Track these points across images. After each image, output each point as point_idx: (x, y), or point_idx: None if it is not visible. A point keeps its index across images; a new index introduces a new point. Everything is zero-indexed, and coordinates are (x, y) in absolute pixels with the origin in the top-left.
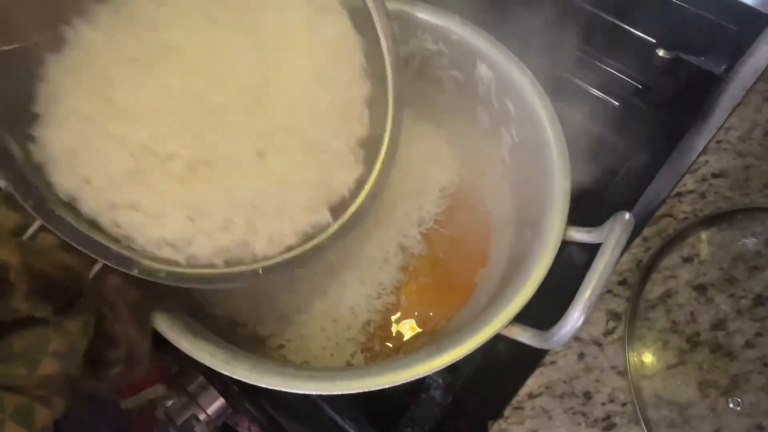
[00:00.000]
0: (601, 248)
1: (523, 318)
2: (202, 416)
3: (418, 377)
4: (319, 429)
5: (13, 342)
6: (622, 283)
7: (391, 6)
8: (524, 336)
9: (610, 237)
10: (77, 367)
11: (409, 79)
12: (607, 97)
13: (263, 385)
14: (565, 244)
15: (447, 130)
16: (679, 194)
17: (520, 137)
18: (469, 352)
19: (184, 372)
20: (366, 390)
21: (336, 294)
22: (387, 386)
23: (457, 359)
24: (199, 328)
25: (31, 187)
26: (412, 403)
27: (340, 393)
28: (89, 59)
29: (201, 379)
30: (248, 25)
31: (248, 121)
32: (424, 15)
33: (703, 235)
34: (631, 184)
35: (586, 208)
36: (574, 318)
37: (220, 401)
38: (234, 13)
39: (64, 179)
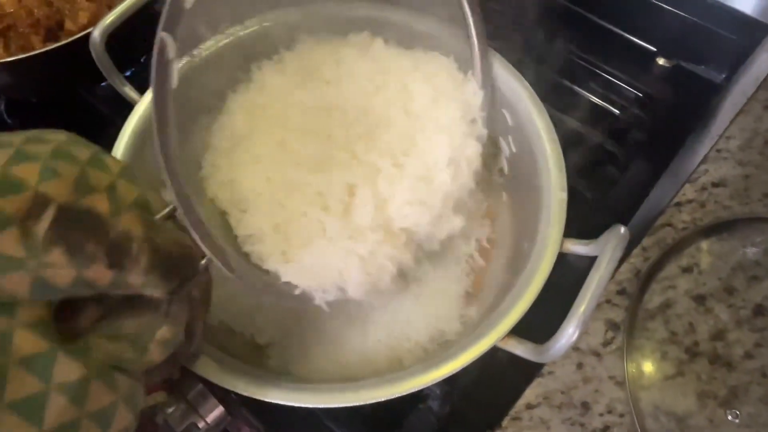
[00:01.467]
0: (596, 262)
1: (519, 329)
2: (201, 424)
3: (414, 390)
4: None
5: (123, 322)
6: (621, 292)
7: (389, 15)
8: (520, 349)
9: (605, 251)
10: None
11: None
12: (607, 106)
13: (260, 398)
14: (564, 254)
15: None
16: (679, 203)
17: (517, 147)
18: (465, 365)
19: (184, 379)
20: (362, 403)
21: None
22: (383, 399)
23: (454, 372)
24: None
25: (179, 177)
26: (409, 413)
27: (337, 406)
28: (267, 101)
29: (200, 387)
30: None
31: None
32: (421, 26)
33: (703, 244)
34: (630, 193)
35: (585, 217)
36: (569, 333)
37: (220, 409)
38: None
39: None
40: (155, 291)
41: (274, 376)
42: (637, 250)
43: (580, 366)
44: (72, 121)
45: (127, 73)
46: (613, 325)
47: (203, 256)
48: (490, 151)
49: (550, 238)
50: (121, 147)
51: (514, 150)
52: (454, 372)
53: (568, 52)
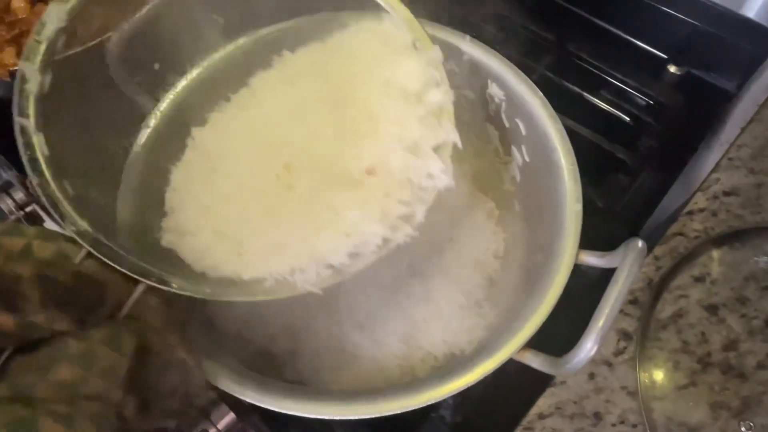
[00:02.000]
0: (614, 276)
1: (533, 341)
2: (212, 430)
3: (429, 403)
4: None
5: (38, 357)
6: (633, 302)
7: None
8: (535, 362)
9: (623, 266)
10: (121, 401)
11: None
12: (618, 113)
13: (275, 409)
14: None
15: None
16: (691, 212)
17: (531, 156)
18: (480, 378)
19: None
20: (378, 415)
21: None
22: (398, 411)
23: (469, 385)
24: (206, 346)
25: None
26: (421, 423)
27: (353, 418)
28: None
29: (212, 393)
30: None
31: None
32: (434, 34)
33: (715, 253)
34: (641, 201)
35: (597, 225)
36: (587, 348)
37: (231, 416)
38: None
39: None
40: (61, 324)
41: (289, 387)
42: (649, 260)
43: (592, 376)
44: None
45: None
46: (625, 335)
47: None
48: (501, 159)
49: (566, 251)
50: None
51: (527, 159)
52: (470, 384)
53: (578, 60)
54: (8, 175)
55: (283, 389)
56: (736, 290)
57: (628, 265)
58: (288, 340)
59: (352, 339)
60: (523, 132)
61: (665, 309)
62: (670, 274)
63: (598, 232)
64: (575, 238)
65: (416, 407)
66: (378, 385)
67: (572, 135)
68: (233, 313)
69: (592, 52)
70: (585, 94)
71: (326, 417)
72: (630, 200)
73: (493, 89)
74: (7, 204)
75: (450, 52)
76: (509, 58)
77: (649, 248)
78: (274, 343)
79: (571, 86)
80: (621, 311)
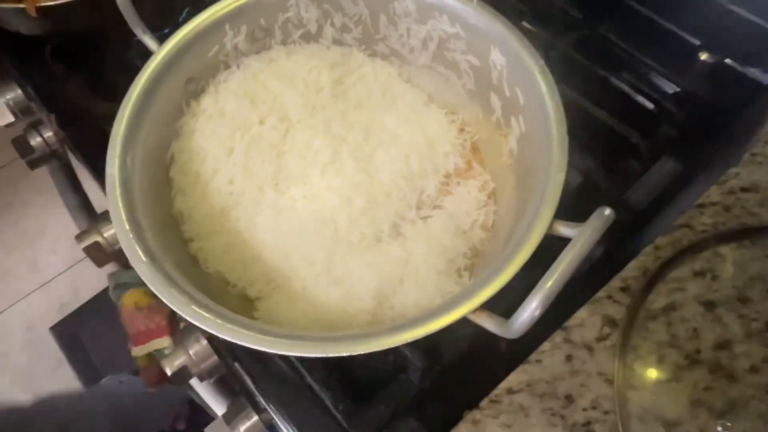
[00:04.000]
0: (574, 239)
1: (499, 307)
2: (194, 370)
3: (376, 350)
4: (297, 393)
5: None
6: (625, 290)
7: None
8: (489, 323)
9: (585, 229)
10: None
11: (427, 61)
12: (640, 98)
13: (242, 343)
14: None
15: (460, 117)
16: (702, 205)
17: (527, 127)
18: (433, 332)
19: (189, 329)
20: (322, 356)
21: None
22: (345, 354)
23: (419, 337)
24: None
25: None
26: (390, 382)
27: (300, 355)
28: None
29: (199, 335)
30: None
31: None
32: None
33: (722, 249)
34: (651, 191)
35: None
36: (531, 307)
37: (214, 359)
38: None
39: None
40: None
41: (259, 325)
42: (648, 248)
43: (569, 358)
44: (105, 71)
45: (166, 30)
46: (610, 322)
47: None
48: (502, 131)
49: (540, 217)
50: (134, 94)
51: (523, 130)
52: (420, 337)
53: (605, 40)
54: (40, 113)
55: (251, 325)
56: (739, 289)
57: (589, 229)
58: (265, 286)
59: (327, 291)
60: (521, 101)
61: (658, 300)
62: (668, 264)
63: None
64: (552, 206)
65: (363, 353)
66: None
67: (587, 117)
68: (213, 254)
69: (621, 34)
70: (609, 76)
71: (289, 353)
72: (641, 187)
73: (495, 55)
74: (36, 140)
75: (455, 16)
76: (530, 32)
77: (651, 237)
78: (252, 286)
79: (594, 67)
80: (610, 297)
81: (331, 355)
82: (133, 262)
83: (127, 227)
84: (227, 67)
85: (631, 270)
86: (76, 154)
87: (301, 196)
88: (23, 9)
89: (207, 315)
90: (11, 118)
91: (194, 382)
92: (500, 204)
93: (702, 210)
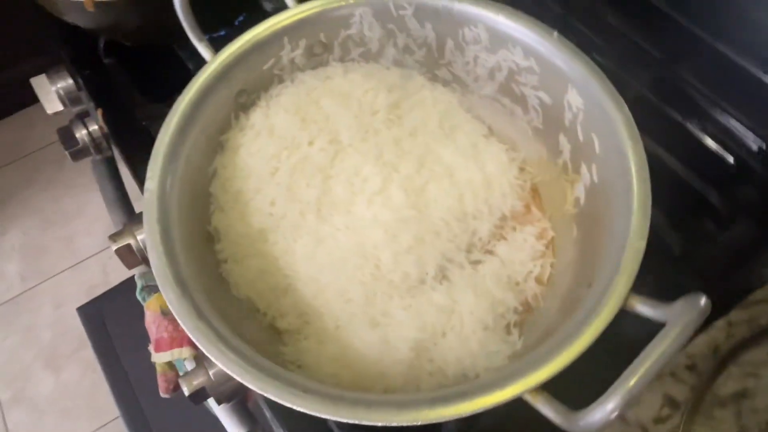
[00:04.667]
0: (664, 330)
1: (556, 387)
2: (212, 391)
3: (414, 424)
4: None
5: None
6: (691, 368)
7: (479, 12)
8: (547, 409)
9: (676, 321)
10: None
11: (491, 92)
12: (721, 151)
13: (263, 393)
14: (626, 312)
15: (521, 155)
16: None
17: (600, 177)
18: (479, 410)
19: None
20: (370, 423)
21: None
22: (380, 424)
23: (463, 416)
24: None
25: None
26: None
27: (330, 418)
28: None
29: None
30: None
31: None
32: (520, 26)
33: None
34: (727, 256)
35: (665, 274)
36: (607, 409)
37: (234, 382)
38: None
39: None
40: None
41: (287, 375)
42: (720, 323)
43: None
44: (156, 71)
45: (221, 33)
46: (671, 402)
47: None
48: (568, 177)
49: (615, 290)
50: (183, 104)
51: (596, 180)
52: (463, 415)
53: (685, 83)
54: (88, 105)
55: (277, 373)
56: None
57: (682, 321)
58: (296, 319)
59: (362, 334)
60: (597, 149)
61: (728, 384)
62: (743, 344)
63: (665, 283)
64: (629, 278)
65: (399, 424)
66: (375, 390)
67: (659, 166)
68: (246, 279)
69: (703, 77)
70: (686, 123)
71: (317, 414)
72: (714, 252)
73: (572, 96)
74: (81, 133)
75: (531, 49)
76: (603, 68)
77: (724, 309)
78: (282, 318)
79: (671, 111)
80: (673, 375)
81: (363, 422)
82: (162, 289)
83: (162, 249)
84: (281, 81)
85: (699, 346)
86: (119, 151)
87: (343, 226)
88: (81, 2)
89: (232, 356)
90: (60, 107)
91: (212, 402)
92: (559, 256)
93: None
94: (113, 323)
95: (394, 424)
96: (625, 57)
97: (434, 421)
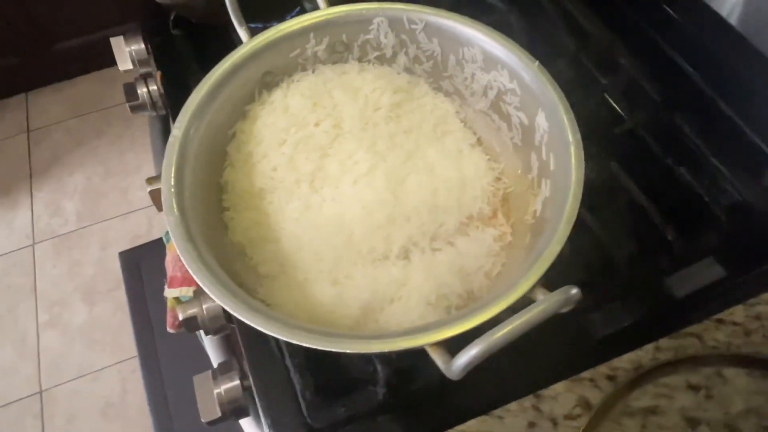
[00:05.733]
0: (535, 304)
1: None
2: (202, 323)
3: (353, 352)
4: (275, 371)
5: None
6: (611, 378)
7: (477, 35)
8: (438, 357)
9: (548, 299)
10: None
11: (484, 107)
12: (694, 196)
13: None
14: None
15: (501, 167)
16: (720, 321)
17: (551, 191)
18: (390, 351)
19: None
20: (308, 346)
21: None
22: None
23: (380, 351)
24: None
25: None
26: (358, 389)
27: (286, 339)
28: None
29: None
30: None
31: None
32: (508, 52)
33: (727, 372)
34: (671, 291)
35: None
36: (471, 353)
37: (221, 319)
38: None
39: None
40: None
41: (258, 305)
42: (649, 346)
43: (531, 425)
44: (212, 46)
45: (274, 23)
46: (585, 403)
47: None
48: (534, 191)
49: (524, 282)
50: (216, 73)
51: (547, 194)
52: (381, 351)
53: (676, 126)
54: (152, 68)
55: (259, 308)
56: (731, 417)
57: (552, 299)
58: (274, 267)
59: (323, 288)
60: (552, 167)
61: (641, 399)
62: (665, 366)
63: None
64: (538, 274)
65: (327, 348)
66: None
67: (629, 197)
68: (241, 227)
69: (696, 126)
70: (671, 165)
71: (275, 335)
72: (656, 286)
73: (541, 119)
74: (142, 90)
75: (515, 73)
76: (602, 102)
77: (654, 335)
78: (264, 264)
79: (657, 151)
80: (592, 380)
81: (316, 347)
82: (165, 212)
83: (172, 183)
84: (303, 69)
85: (624, 361)
86: (170, 111)
87: (330, 198)
88: None
89: (209, 277)
90: (130, 66)
91: (202, 333)
92: (510, 258)
93: (719, 325)
94: (147, 272)
95: (323, 348)
96: (629, 96)
97: (357, 351)
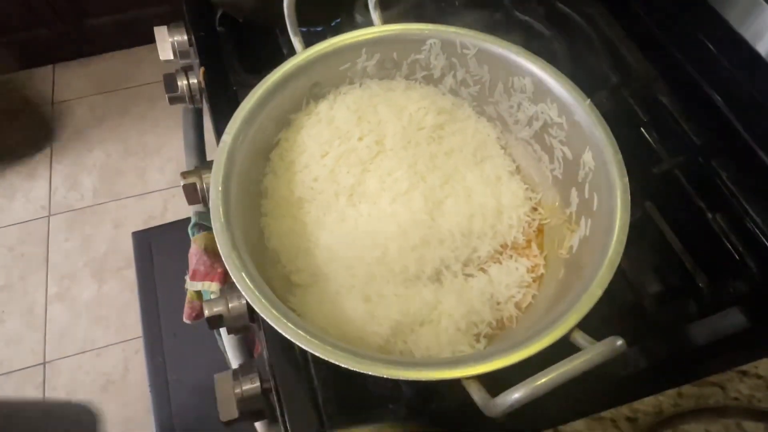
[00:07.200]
0: (581, 353)
1: (489, 379)
2: (227, 321)
3: (368, 372)
4: (297, 379)
5: None
6: (631, 420)
7: (530, 66)
8: (476, 393)
9: (593, 349)
10: None
11: (527, 137)
12: (727, 244)
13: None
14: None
15: (539, 197)
16: (745, 372)
17: (591, 232)
18: (422, 380)
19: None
20: (339, 364)
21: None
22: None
23: (408, 378)
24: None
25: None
26: (379, 406)
27: (317, 354)
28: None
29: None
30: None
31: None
32: (560, 87)
33: (749, 425)
34: (698, 340)
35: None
36: (514, 396)
37: (246, 319)
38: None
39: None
40: None
41: (293, 317)
42: (671, 392)
43: None
44: (256, 47)
45: (318, 29)
46: None
47: None
48: (571, 226)
49: (564, 323)
50: (268, 83)
51: (587, 234)
52: (411, 379)
53: (712, 171)
54: (194, 61)
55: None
56: None
57: (595, 349)
58: (308, 277)
59: (355, 304)
60: (595, 207)
61: None
62: (684, 415)
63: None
64: (578, 317)
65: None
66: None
67: (662, 240)
68: (278, 233)
69: (733, 173)
70: (704, 209)
71: (305, 347)
72: (685, 333)
73: (587, 157)
74: (182, 82)
75: (565, 108)
76: (641, 139)
77: (679, 381)
78: (297, 273)
79: (692, 195)
80: (613, 421)
81: (347, 366)
82: (213, 218)
83: (220, 189)
84: (351, 82)
85: (646, 404)
86: (208, 106)
87: (366, 213)
88: None
89: (249, 283)
90: (171, 56)
91: (223, 331)
92: (542, 290)
93: (743, 377)
94: (159, 254)
95: (351, 368)
96: (669, 136)
97: (386, 376)
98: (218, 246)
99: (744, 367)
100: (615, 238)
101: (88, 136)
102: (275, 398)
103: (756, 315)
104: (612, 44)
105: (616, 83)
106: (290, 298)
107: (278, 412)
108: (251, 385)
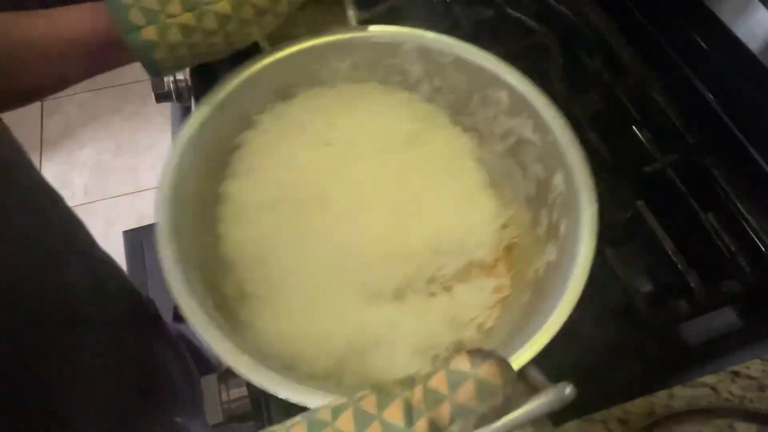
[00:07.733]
0: (524, 405)
1: None
2: None
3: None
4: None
5: None
6: (623, 422)
7: (506, 78)
8: None
9: (535, 398)
10: None
11: (502, 151)
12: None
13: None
14: None
15: (510, 214)
16: (736, 373)
17: (557, 257)
18: None
19: None
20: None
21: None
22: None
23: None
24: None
25: None
26: None
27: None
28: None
29: None
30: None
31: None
32: (535, 102)
33: (739, 426)
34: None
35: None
36: None
37: None
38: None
39: None
40: None
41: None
42: (663, 393)
43: None
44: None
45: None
46: None
47: None
48: (539, 248)
49: (522, 353)
50: (237, 78)
51: (552, 259)
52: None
53: (705, 170)
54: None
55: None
56: None
57: (539, 400)
58: (261, 287)
59: (310, 318)
60: (562, 233)
61: None
62: (678, 416)
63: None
64: (535, 350)
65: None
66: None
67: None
68: (234, 239)
69: (726, 173)
70: (697, 209)
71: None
72: (677, 334)
73: (558, 179)
74: (169, 80)
75: (540, 126)
76: (633, 138)
77: (670, 382)
78: (252, 282)
79: (684, 193)
80: (604, 422)
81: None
82: (156, 212)
83: (167, 192)
84: (322, 83)
85: (637, 406)
86: (194, 104)
87: (331, 224)
88: None
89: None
90: None
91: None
92: (504, 313)
93: (734, 378)
94: (150, 254)
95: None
96: (663, 135)
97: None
98: (159, 251)
99: (736, 368)
100: (577, 274)
101: (79, 135)
102: (263, 403)
103: (748, 315)
104: (605, 42)
105: (609, 81)
106: (240, 310)
107: (265, 417)
108: (238, 389)
